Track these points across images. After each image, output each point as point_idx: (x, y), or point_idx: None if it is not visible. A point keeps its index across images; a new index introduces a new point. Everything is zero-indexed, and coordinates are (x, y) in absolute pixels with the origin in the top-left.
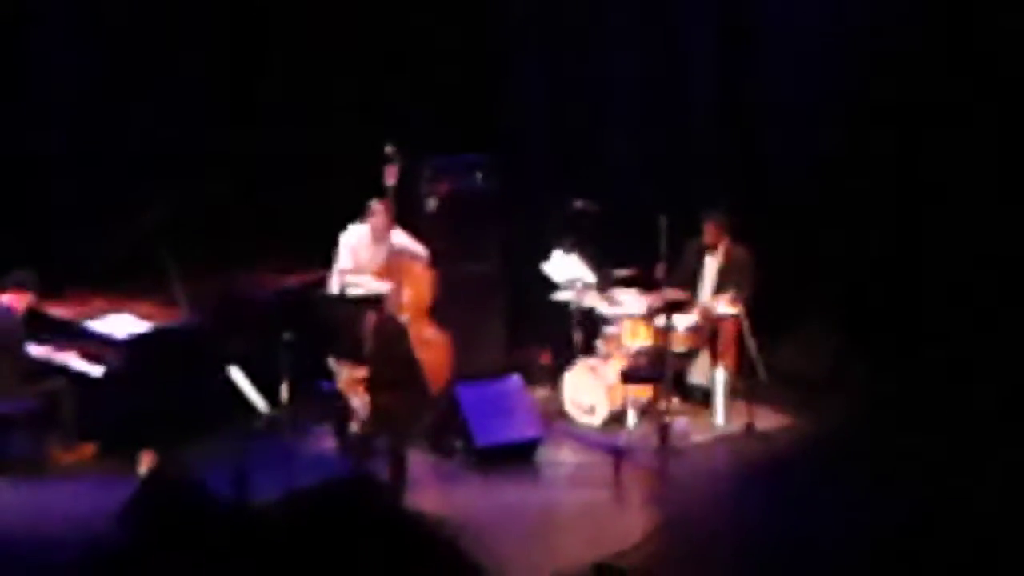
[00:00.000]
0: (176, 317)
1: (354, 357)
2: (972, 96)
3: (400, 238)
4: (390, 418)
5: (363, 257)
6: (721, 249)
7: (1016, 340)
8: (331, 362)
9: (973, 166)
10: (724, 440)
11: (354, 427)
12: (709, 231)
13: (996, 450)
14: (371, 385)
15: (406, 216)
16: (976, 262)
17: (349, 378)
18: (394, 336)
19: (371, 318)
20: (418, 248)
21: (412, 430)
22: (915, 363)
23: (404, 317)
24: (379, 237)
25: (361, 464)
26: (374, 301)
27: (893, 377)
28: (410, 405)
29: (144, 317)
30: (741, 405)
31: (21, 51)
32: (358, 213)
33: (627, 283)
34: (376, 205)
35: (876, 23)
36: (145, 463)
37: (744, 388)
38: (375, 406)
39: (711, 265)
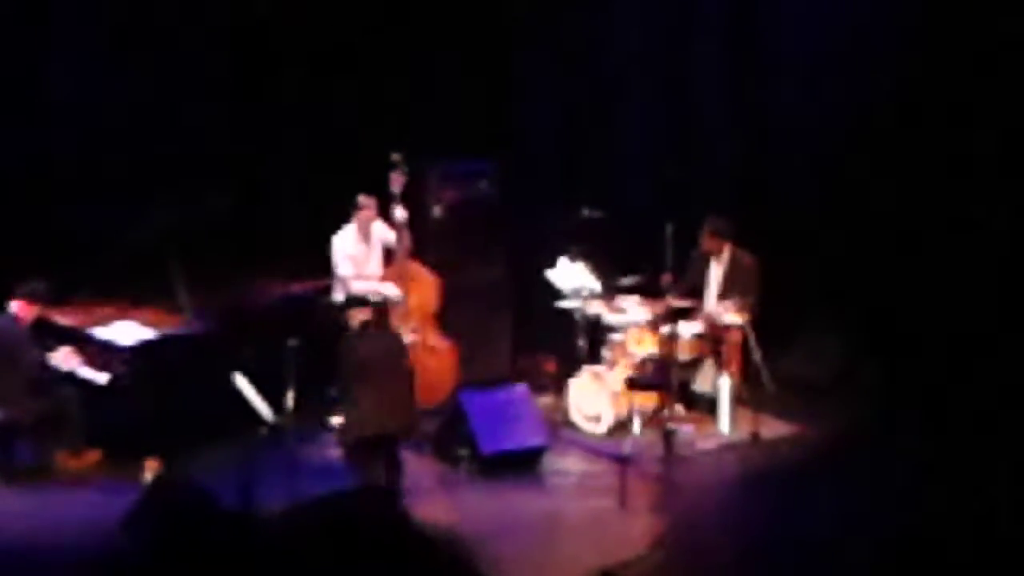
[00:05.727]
0: (181, 324)
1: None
2: (976, 97)
3: (380, 230)
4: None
5: (359, 259)
6: (725, 255)
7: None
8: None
9: (977, 169)
10: (729, 448)
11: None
12: (706, 238)
13: (1001, 455)
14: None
15: (412, 223)
16: (981, 266)
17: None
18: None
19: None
20: (392, 237)
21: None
22: (921, 369)
23: (410, 324)
24: (364, 229)
25: (365, 471)
26: (380, 305)
27: (899, 384)
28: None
29: (149, 324)
30: (746, 413)
31: (30, 55)
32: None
33: (633, 291)
34: (364, 199)
35: (883, 31)
36: (150, 470)
37: (749, 396)
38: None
39: (716, 271)
